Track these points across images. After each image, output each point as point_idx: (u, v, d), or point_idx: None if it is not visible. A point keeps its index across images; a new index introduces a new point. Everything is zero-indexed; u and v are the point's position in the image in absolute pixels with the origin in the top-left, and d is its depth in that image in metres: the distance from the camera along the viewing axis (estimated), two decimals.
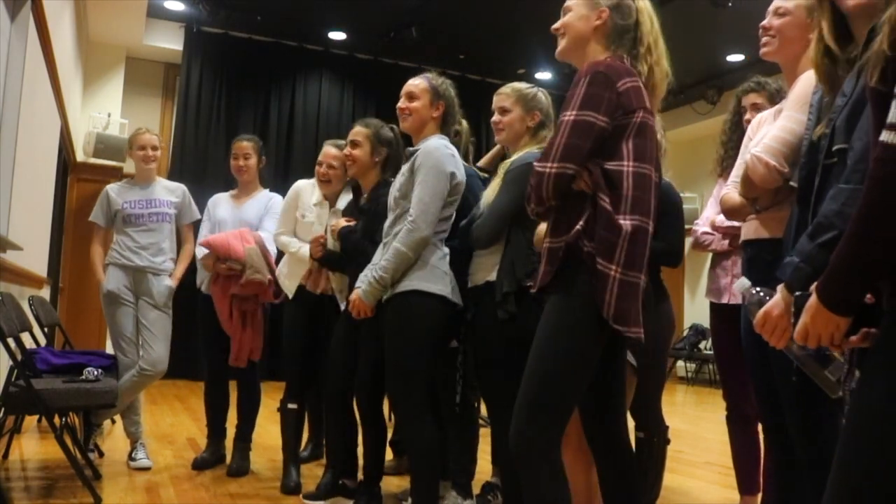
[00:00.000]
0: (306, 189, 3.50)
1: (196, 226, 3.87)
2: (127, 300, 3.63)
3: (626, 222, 1.76)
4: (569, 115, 1.78)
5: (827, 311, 1.19)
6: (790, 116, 1.99)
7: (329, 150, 3.39)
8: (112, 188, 3.80)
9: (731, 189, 2.31)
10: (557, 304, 1.81)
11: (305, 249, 3.27)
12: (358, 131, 3.05)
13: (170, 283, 3.70)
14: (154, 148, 3.80)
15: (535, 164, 1.84)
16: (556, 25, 1.97)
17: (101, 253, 3.76)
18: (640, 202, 1.78)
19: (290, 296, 3.39)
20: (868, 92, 1.22)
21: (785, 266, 1.43)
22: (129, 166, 6.94)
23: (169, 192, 3.83)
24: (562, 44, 1.96)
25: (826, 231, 1.34)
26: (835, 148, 1.49)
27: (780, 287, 1.42)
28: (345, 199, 3.34)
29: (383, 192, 2.91)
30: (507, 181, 2.50)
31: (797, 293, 1.31)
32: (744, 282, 1.63)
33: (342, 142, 3.28)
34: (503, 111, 2.57)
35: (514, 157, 2.56)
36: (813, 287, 1.23)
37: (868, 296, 1.21)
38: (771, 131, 2.03)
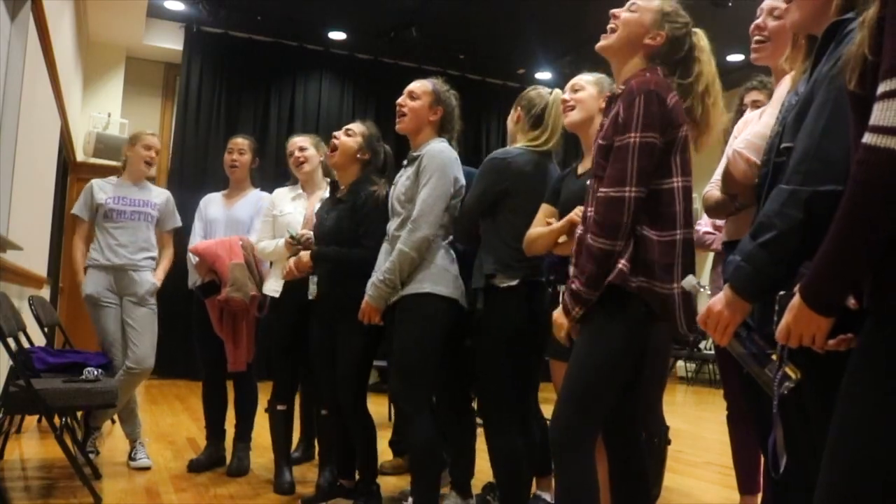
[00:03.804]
0: (281, 192, 3.62)
1: (176, 233, 3.91)
2: (109, 301, 3.61)
3: (679, 237, 1.82)
4: (634, 137, 1.79)
5: (810, 311, 1.20)
6: (773, 114, 2.00)
7: (292, 138, 3.61)
8: (98, 182, 3.77)
9: (712, 187, 2.34)
10: (602, 320, 1.84)
11: (280, 242, 3.32)
12: (356, 125, 3.08)
13: (153, 279, 3.70)
14: (157, 152, 3.83)
15: (608, 191, 1.81)
16: (615, 11, 1.96)
17: (82, 250, 3.73)
18: (687, 215, 1.86)
19: (277, 296, 3.39)
20: (847, 95, 1.22)
21: (728, 264, 1.44)
22: None
23: (155, 194, 3.83)
24: (609, 38, 1.95)
25: (766, 231, 1.34)
26: (783, 146, 1.49)
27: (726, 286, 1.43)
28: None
29: (361, 189, 2.94)
30: (475, 177, 2.55)
31: (780, 293, 1.31)
32: (690, 279, 1.65)
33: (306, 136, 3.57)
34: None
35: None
36: (797, 287, 1.23)
37: (852, 301, 1.22)
38: (753, 128, 2.06)
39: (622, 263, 1.79)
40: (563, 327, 1.97)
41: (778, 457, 1.39)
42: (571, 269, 1.94)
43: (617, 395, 1.87)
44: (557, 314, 2.00)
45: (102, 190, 3.72)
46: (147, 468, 3.54)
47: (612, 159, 1.82)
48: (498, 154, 2.57)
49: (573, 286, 1.85)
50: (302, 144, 3.51)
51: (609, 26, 1.97)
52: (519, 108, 2.63)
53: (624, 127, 1.81)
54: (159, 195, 3.85)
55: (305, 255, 2.99)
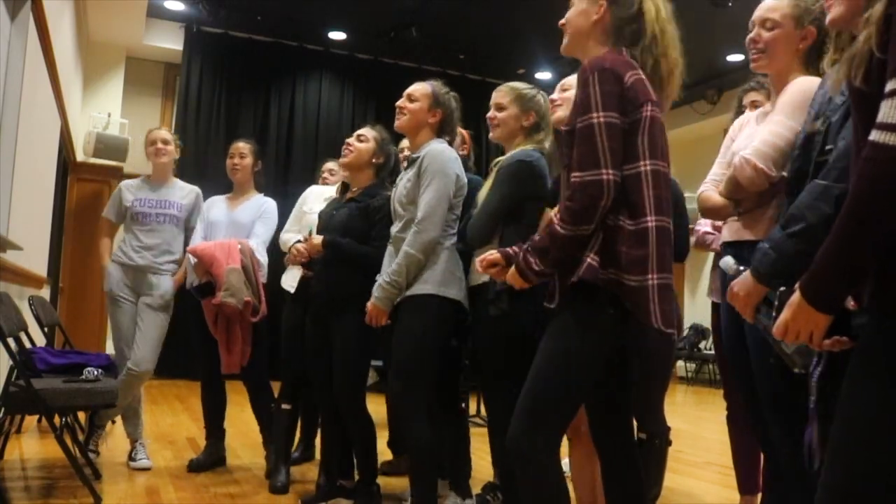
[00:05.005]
0: (315, 191, 3.64)
1: None
2: (126, 298, 3.62)
3: (651, 224, 1.69)
4: (597, 117, 1.68)
5: (809, 308, 1.19)
6: (782, 122, 1.97)
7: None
8: (127, 185, 3.81)
9: (708, 188, 2.28)
10: (567, 322, 1.77)
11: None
12: (367, 130, 3.07)
13: (170, 285, 3.69)
14: (165, 142, 3.79)
15: (583, 175, 1.68)
16: (562, 21, 1.95)
17: (108, 244, 3.77)
18: (660, 201, 1.72)
19: (292, 290, 3.39)
20: (851, 91, 1.21)
21: (756, 251, 1.52)
22: (128, 166, 6.96)
23: (181, 194, 3.82)
24: (565, 39, 1.93)
25: (796, 222, 1.39)
26: (828, 147, 1.51)
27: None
28: None
29: (377, 193, 2.95)
30: (497, 179, 2.49)
31: (781, 289, 1.33)
32: (728, 260, 1.73)
33: None
34: (499, 108, 2.56)
35: (507, 155, 2.56)
36: (797, 284, 1.24)
37: (852, 303, 1.21)
38: (761, 135, 2.02)
39: (591, 258, 1.69)
40: (501, 276, 1.93)
41: (813, 452, 1.39)
42: (530, 243, 1.82)
43: (583, 398, 1.80)
44: (512, 275, 1.86)
45: (129, 191, 3.75)
46: (147, 469, 3.54)
47: (577, 142, 1.71)
48: (523, 157, 2.47)
49: (535, 266, 1.75)
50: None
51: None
52: (534, 113, 2.57)
53: (583, 108, 1.71)
54: (186, 194, 3.83)
55: (318, 238, 2.96)
